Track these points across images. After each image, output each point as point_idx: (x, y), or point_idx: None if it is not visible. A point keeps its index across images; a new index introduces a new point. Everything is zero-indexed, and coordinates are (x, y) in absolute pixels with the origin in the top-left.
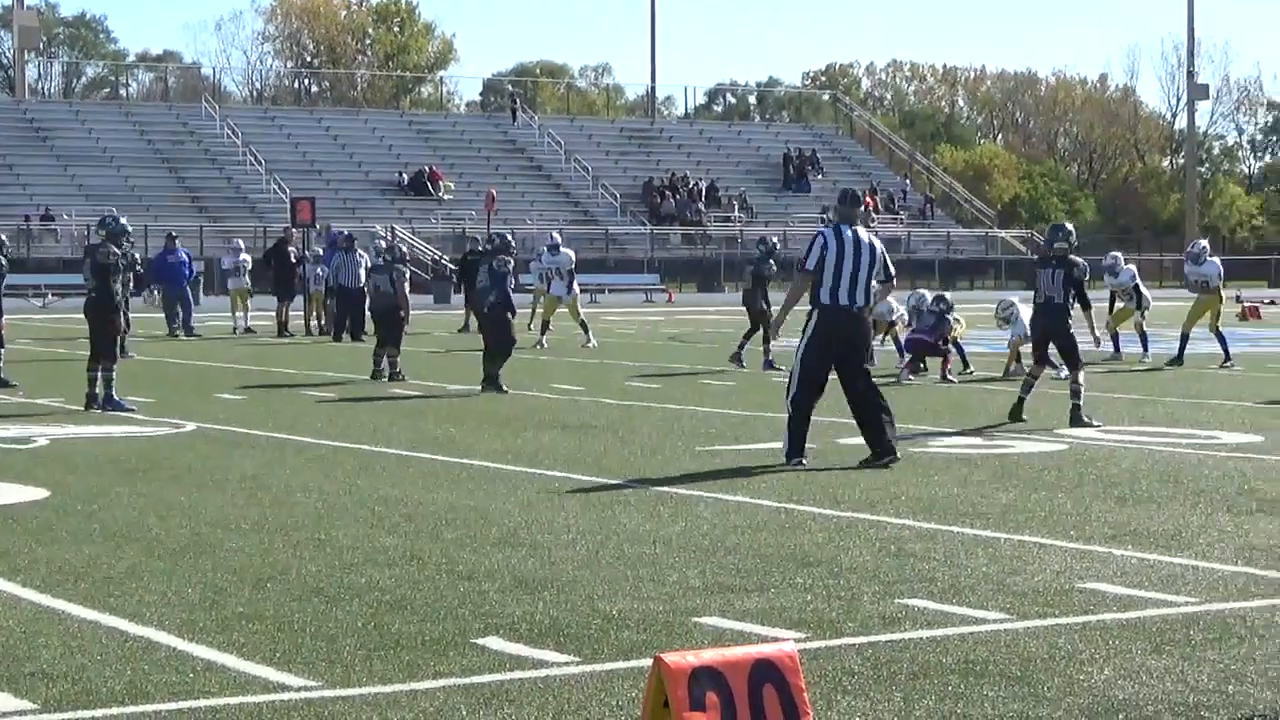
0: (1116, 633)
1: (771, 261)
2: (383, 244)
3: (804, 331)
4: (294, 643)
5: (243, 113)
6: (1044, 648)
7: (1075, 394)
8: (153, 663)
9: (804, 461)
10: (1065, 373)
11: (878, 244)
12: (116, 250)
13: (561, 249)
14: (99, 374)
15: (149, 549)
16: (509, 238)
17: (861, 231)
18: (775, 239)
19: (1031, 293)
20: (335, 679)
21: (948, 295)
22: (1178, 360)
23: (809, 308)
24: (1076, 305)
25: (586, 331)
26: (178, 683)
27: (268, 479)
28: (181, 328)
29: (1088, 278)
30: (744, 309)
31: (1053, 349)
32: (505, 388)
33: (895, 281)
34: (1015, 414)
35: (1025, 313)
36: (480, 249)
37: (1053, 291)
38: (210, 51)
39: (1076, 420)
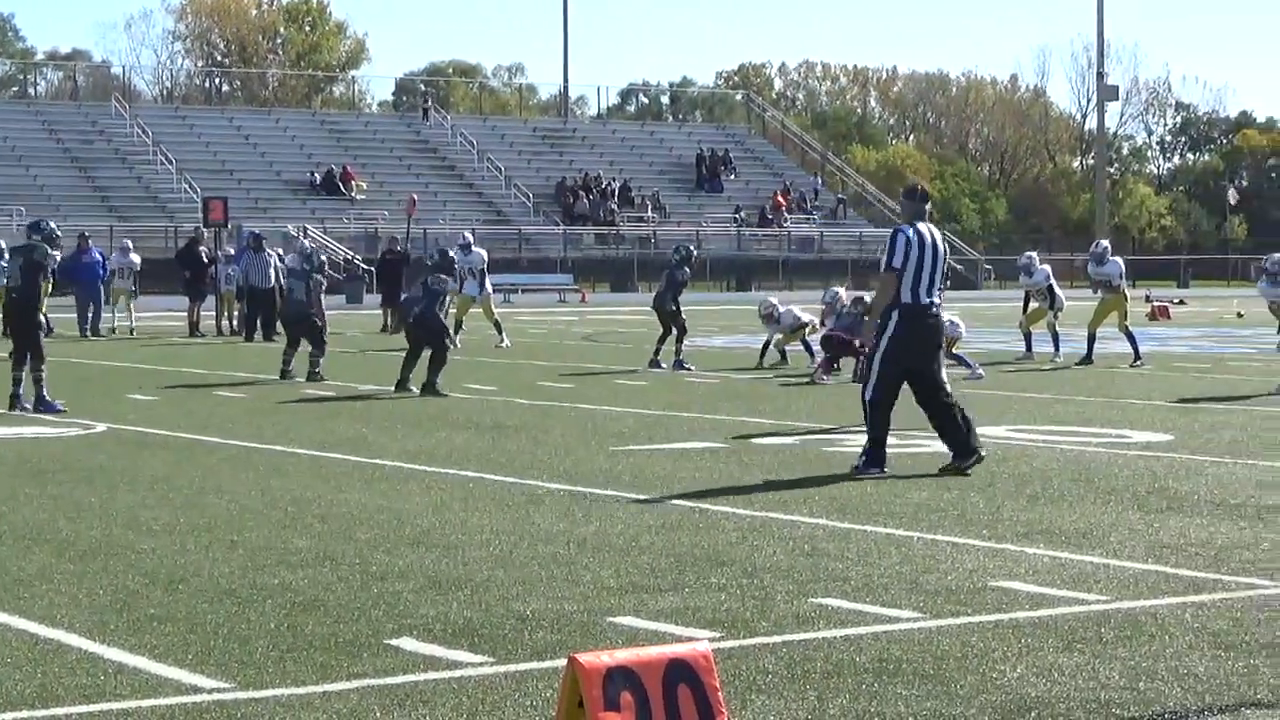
0: (1029, 631)
1: (686, 267)
2: (307, 245)
3: (882, 331)
4: (206, 644)
5: (153, 112)
6: (957, 646)
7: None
8: (63, 665)
9: (885, 471)
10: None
11: (943, 242)
12: (52, 252)
13: (473, 248)
14: (26, 374)
15: (59, 551)
16: (451, 255)
17: (933, 229)
18: (692, 246)
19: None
20: (248, 680)
21: (866, 296)
22: (1087, 359)
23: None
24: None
25: (500, 331)
26: (89, 685)
27: (179, 480)
28: (90, 328)
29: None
30: (654, 312)
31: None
32: (445, 391)
33: (947, 284)
34: None
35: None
36: (399, 249)
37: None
38: (120, 50)
39: None
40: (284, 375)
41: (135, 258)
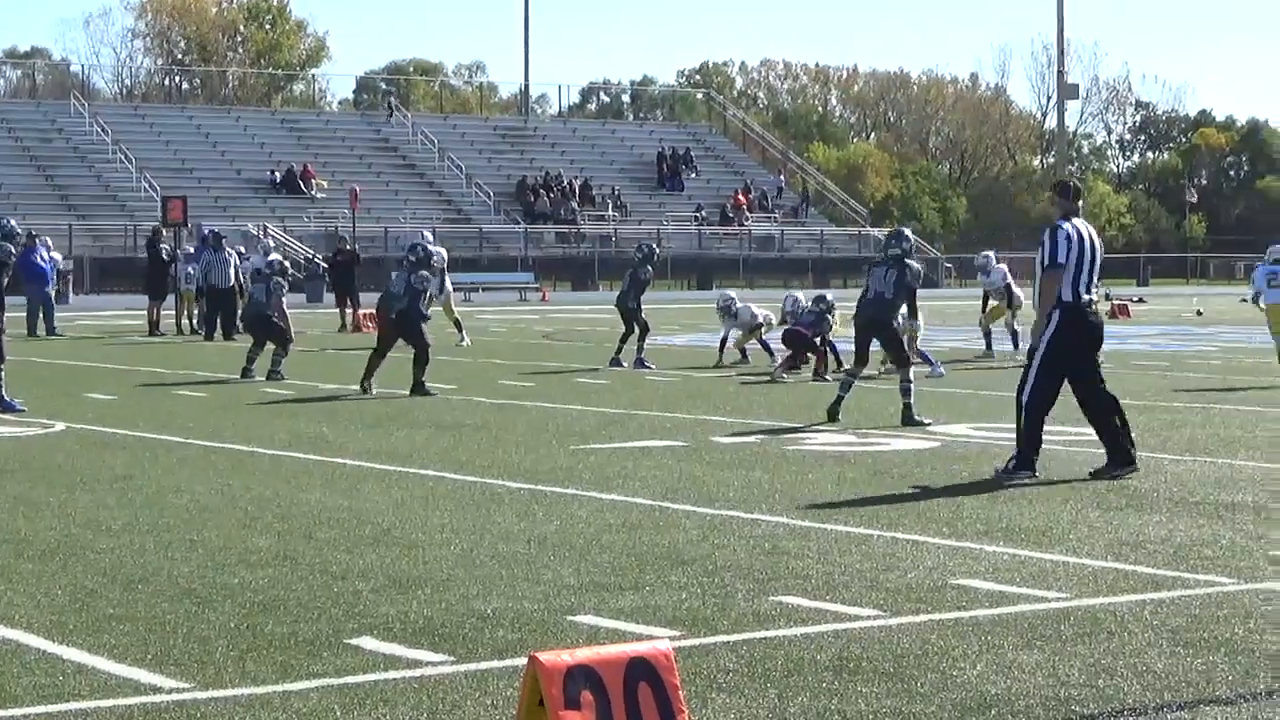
0: (988, 628)
1: (649, 266)
2: (270, 244)
3: (1043, 330)
4: (166, 644)
5: (113, 110)
6: (917, 644)
7: (905, 392)
8: (22, 665)
9: (1037, 475)
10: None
11: (1099, 237)
12: (12, 249)
13: (432, 247)
14: None
15: (17, 550)
16: (431, 251)
17: (1088, 225)
18: (654, 244)
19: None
20: (207, 680)
21: (829, 295)
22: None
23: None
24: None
25: (460, 330)
26: (47, 685)
27: (139, 479)
28: (44, 328)
29: (919, 285)
30: (616, 310)
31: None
32: (433, 391)
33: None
34: (833, 413)
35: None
36: (350, 249)
37: (883, 288)
38: (79, 48)
39: (908, 420)
40: (245, 374)
41: (57, 256)
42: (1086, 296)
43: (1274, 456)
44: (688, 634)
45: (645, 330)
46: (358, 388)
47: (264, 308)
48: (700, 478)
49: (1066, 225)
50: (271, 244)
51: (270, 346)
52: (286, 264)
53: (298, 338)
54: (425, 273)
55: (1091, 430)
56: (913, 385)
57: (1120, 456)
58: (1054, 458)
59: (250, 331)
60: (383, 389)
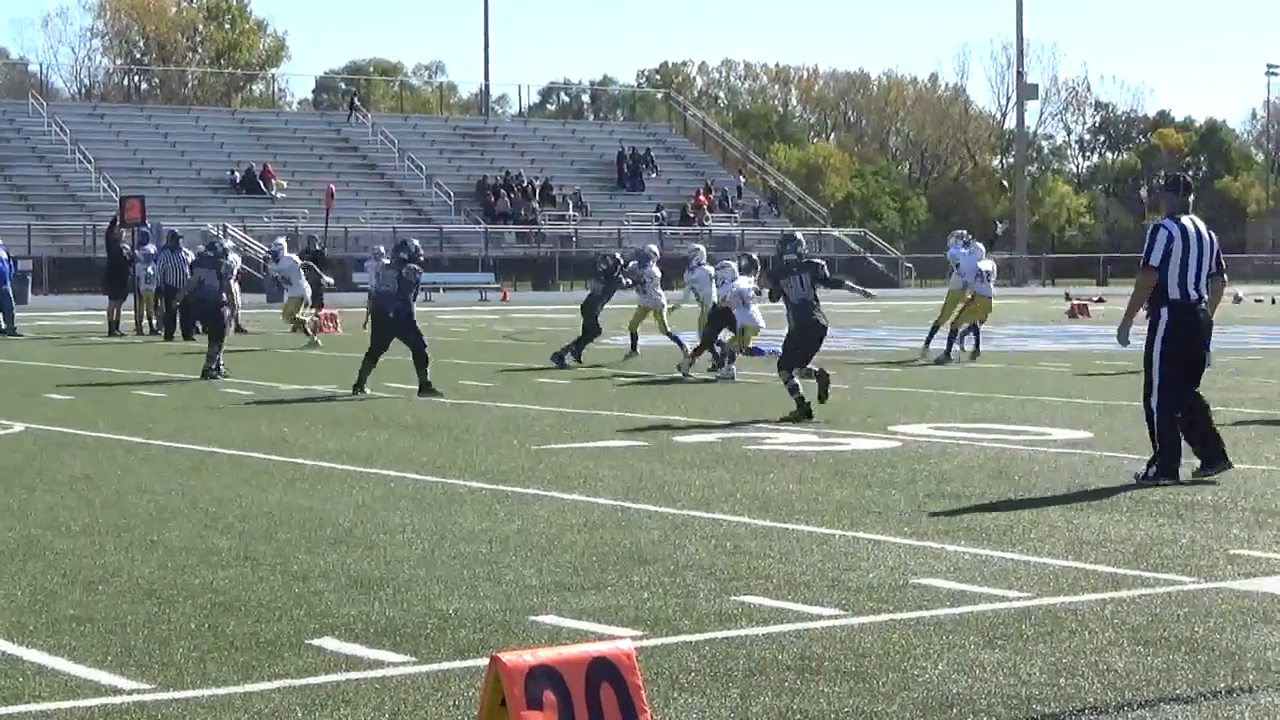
0: (950, 628)
1: (621, 277)
2: (211, 230)
3: (1153, 331)
4: (126, 645)
5: (71, 110)
6: (879, 643)
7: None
8: None
9: (1179, 480)
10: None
11: (1212, 234)
12: None
13: (284, 255)
14: None
15: None
16: (416, 245)
17: (1198, 221)
18: (619, 254)
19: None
20: (168, 681)
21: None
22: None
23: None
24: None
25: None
26: (6, 687)
27: (99, 480)
28: (4, 327)
29: (827, 270)
30: (580, 311)
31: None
32: (440, 390)
33: (1226, 277)
34: (809, 411)
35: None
36: (316, 248)
37: (805, 294)
38: (37, 47)
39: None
40: (205, 374)
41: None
42: (1195, 294)
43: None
44: (650, 634)
45: (595, 334)
46: (349, 391)
47: (217, 294)
48: (662, 477)
49: (1171, 224)
50: (211, 229)
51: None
52: (229, 243)
53: (257, 338)
54: (414, 265)
55: (1054, 431)
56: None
57: (1214, 458)
58: (1015, 457)
59: (201, 320)
60: (384, 388)
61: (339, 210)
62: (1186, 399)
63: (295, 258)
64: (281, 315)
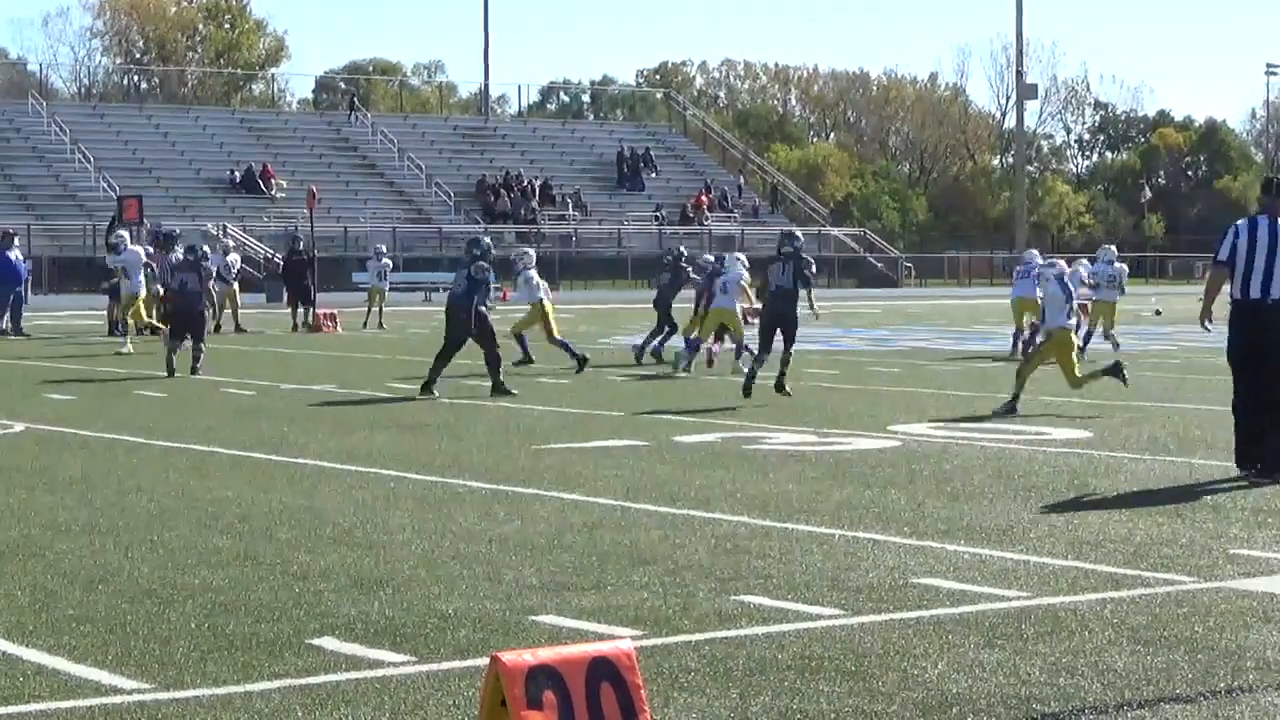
0: (950, 627)
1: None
2: (213, 231)
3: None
4: (126, 645)
5: (71, 110)
6: (879, 643)
7: (785, 362)
8: None
9: (1253, 471)
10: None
11: None
12: None
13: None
14: None
15: None
16: (488, 243)
17: (1275, 222)
18: (682, 247)
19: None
20: (168, 681)
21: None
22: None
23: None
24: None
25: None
26: (7, 687)
27: (99, 480)
28: (12, 327)
29: (813, 271)
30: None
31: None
32: (513, 389)
33: None
34: (747, 389)
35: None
36: (303, 250)
37: (783, 280)
38: (37, 47)
39: (779, 388)
40: (192, 371)
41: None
42: (1259, 294)
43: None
44: (650, 633)
45: (673, 329)
46: (419, 391)
47: (199, 298)
48: (661, 477)
49: (1242, 223)
50: (231, 243)
51: (189, 343)
52: (205, 248)
53: (255, 338)
54: (483, 263)
55: (1054, 430)
56: (792, 359)
57: (1275, 462)
58: (1015, 457)
59: (183, 323)
60: (385, 388)
61: (339, 210)
62: (1264, 396)
63: (140, 250)
64: (120, 312)
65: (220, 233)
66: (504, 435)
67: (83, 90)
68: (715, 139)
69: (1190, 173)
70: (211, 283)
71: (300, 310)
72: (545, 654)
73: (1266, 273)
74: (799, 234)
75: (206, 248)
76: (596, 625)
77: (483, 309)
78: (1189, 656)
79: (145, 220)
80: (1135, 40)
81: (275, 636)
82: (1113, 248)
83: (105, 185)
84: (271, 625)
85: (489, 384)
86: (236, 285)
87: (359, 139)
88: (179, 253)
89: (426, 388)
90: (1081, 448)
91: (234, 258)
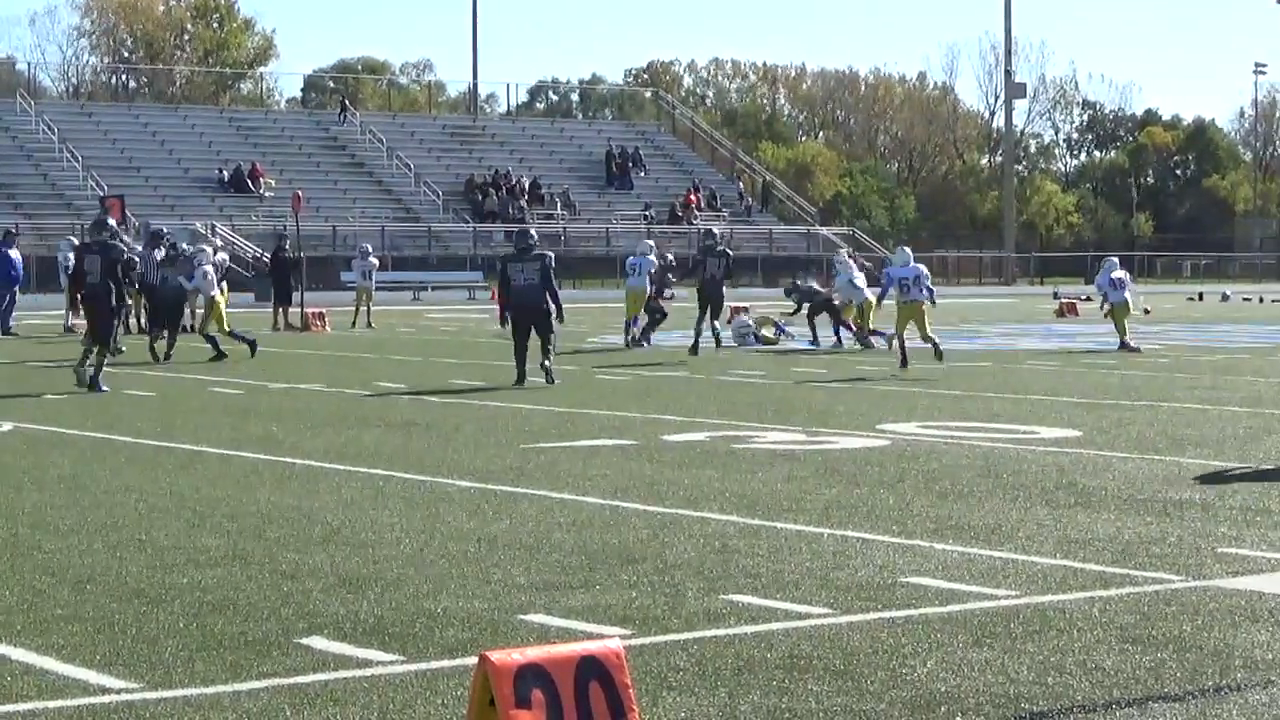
0: (938, 626)
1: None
2: (164, 230)
3: None
4: (114, 644)
5: (59, 109)
6: (867, 642)
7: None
8: None
9: None
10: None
11: None
12: None
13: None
14: None
15: None
16: (533, 232)
17: None
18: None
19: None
20: (157, 680)
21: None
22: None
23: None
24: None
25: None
26: None
27: (87, 479)
28: (1, 327)
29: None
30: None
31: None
32: (557, 379)
33: None
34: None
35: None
36: (287, 250)
37: (717, 273)
38: (25, 46)
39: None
40: (164, 358)
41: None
42: None
43: (1221, 454)
44: (638, 633)
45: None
46: (515, 382)
47: (182, 292)
48: (650, 476)
49: None
50: (164, 229)
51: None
52: (218, 242)
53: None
54: (549, 253)
55: (1042, 429)
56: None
57: None
58: (1003, 456)
59: (168, 313)
60: (373, 387)
61: (328, 209)
62: None
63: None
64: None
65: (209, 232)
66: (492, 434)
67: (71, 89)
68: (704, 138)
69: (1179, 172)
70: (210, 282)
71: (281, 311)
72: (534, 653)
73: None
74: (717, 231)
75: (218, 241)
76: (585, 624)
77: (541, 295)
78: (1177, 655)
79: (129, 219)
80: (1124, 39)
81: (263, 636)
82: (1115, 259)
83: (93, 184)
84: (260, 624)
85: (490, 383)
86: (225, 284)
87: (347, 138)
88: (162, 251)
89: (519, 382)
90: (1070, 446)
91: (221, 256)
